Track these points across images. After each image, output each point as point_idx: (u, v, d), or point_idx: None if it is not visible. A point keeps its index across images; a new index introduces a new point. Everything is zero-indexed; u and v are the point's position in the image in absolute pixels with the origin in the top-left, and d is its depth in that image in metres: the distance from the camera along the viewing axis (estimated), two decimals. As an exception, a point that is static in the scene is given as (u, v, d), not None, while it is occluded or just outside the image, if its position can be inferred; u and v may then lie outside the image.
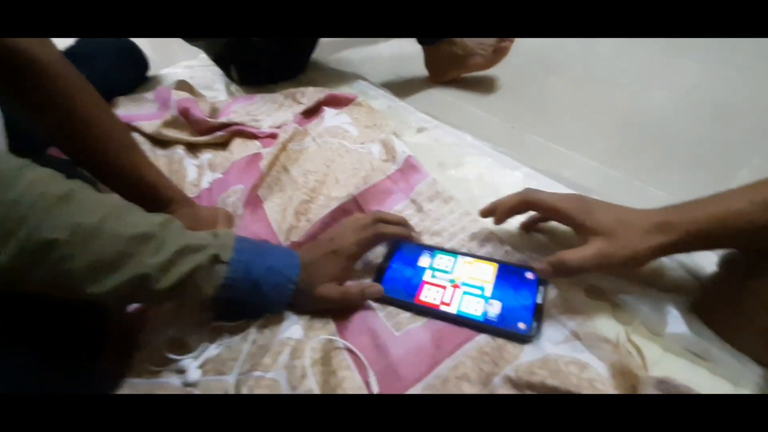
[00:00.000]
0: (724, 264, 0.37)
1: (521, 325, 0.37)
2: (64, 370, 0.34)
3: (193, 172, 0.65)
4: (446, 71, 0.84)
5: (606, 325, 0.37)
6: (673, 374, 0.32)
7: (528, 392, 0.33)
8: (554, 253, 0.36)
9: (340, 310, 0.42)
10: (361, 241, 0.42)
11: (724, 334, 0.34)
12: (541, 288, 0.40)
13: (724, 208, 0.32)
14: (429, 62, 0.85)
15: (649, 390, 0.30)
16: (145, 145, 0.70)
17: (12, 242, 0.28)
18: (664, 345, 0.36)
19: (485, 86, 0.83)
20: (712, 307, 0.36)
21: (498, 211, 0.44)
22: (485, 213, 0.45)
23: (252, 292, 0.38)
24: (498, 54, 0.79)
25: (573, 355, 0.35)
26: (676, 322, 0.36)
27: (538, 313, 0.38)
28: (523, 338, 0.37)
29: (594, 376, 0.32)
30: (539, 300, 0.39)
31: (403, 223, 0.47)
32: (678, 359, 0.35)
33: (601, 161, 0.62)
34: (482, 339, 0.38)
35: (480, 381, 0.35)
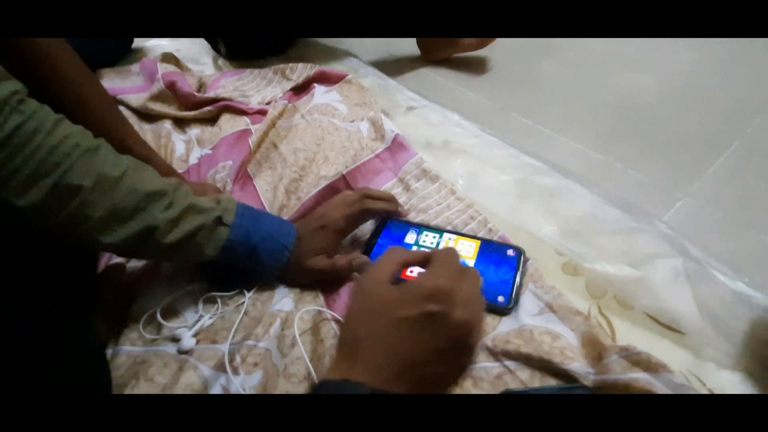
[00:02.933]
0: None
1: (500, 299, 0.40)
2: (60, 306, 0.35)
3: (181, 148, 0.64)
4: (438, 50, 0.83)
5: (579, 299, 0.40)
6: (637, 343, 0.34)
7: (504, 359, 0.35)
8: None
9: (329, 283, 0.44)
10: (348, 217, 0.44)
11: None
12: (520, 264, 0.42)
13: None
14: (421, 41, 0.84)
15: (613, 357, 0.32)
16: (132, 119, 0.69)
17: (47, 182, 0.31)
18: (635, 318, 0.38)
19: (476, 67, 0.83)
20: None
21: None
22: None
23: (249, 257, 0.40)
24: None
25: (546, 326, 0.37)
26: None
27: (516, 288, 0.40)
28: (501, 311, 0.39)
29: (565, 345, 0.35)
30: (518, 275, 0.41)
31: (390, 199, 0.49)
32: (645, 331, 0.38)
33: (586, 144, 0.63)
34: (464, 311, 0.40)
35: (460, 350, 0.37)
